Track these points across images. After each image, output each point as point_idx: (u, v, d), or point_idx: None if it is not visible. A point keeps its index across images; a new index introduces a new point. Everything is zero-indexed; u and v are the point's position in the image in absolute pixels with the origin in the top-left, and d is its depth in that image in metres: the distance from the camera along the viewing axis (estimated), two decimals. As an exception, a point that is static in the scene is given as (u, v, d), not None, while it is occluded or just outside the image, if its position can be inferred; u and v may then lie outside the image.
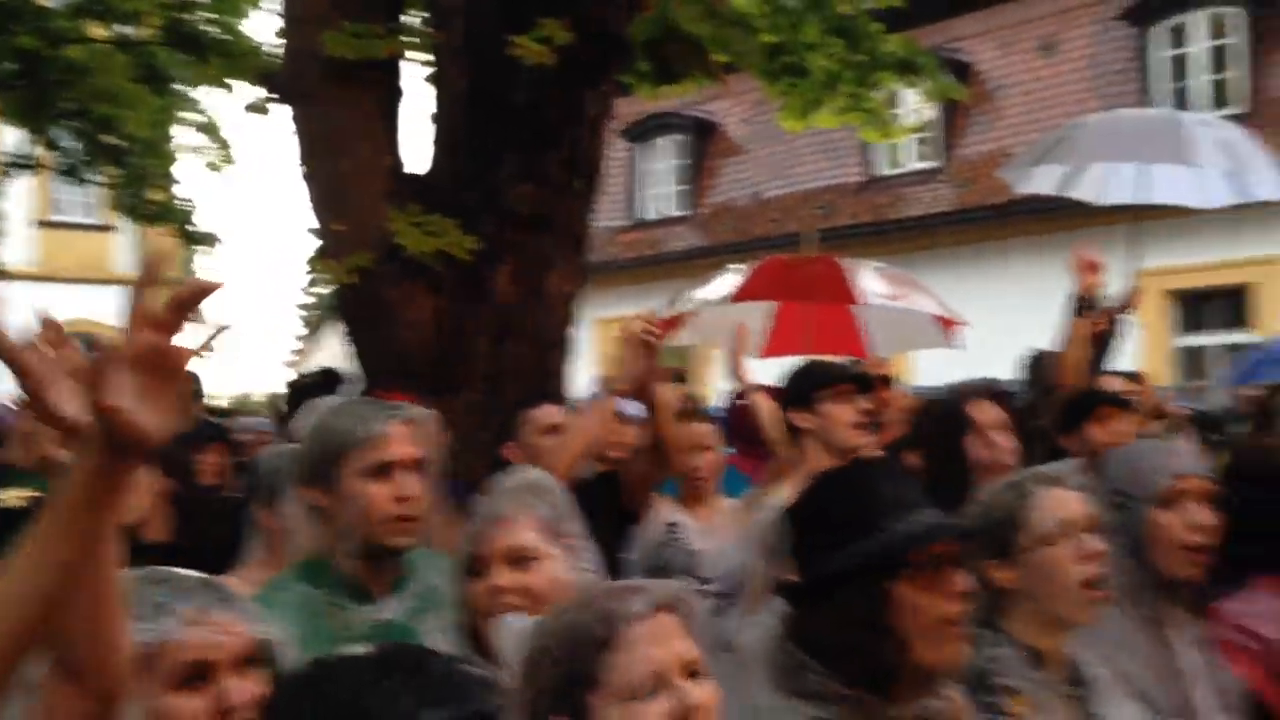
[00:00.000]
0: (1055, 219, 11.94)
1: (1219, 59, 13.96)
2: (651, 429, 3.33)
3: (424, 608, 2.40)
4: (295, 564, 2.49)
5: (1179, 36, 14.30)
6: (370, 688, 1.20)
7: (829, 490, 1.81)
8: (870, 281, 5.57)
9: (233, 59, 6.53)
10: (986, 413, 3.47)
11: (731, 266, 5.96)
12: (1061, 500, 2.09)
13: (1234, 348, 12.85)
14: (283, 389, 7.08)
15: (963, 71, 14.59)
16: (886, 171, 16.44)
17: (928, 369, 10.58)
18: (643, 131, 18.76)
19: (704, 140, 18.74)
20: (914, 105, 14.58)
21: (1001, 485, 2.18)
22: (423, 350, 4.83)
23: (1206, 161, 4.92)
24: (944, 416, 3.59)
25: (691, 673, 1.48)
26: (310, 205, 5.11)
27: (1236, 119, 9.85)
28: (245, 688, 1.63)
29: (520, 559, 2.04)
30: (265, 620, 1.88)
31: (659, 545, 3.48)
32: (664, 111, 17.26)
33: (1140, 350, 12.27)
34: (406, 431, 2.37)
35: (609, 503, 3.39)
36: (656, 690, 1.44)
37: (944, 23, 15.64)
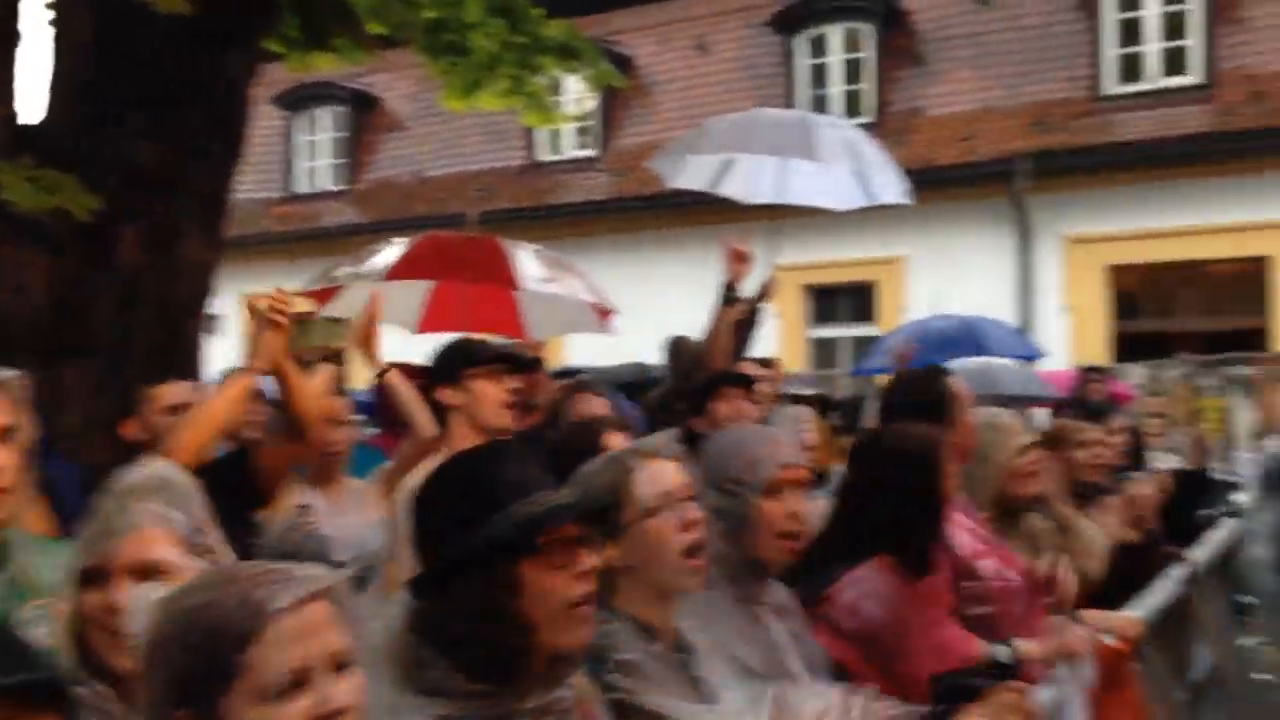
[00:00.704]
0: (704, 212, 12.45)
1: (854, 70, 15.05)
2: (285, 404, 3.14)
3: (20, 593, 2.16)
4: None
5: (819, 46, 15.29)
6: None
7: (455, 474, 1.74)
8: (529, 264, 5.56)
9: None
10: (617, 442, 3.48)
11: (395, 240, 5.78)
12: (660, 472, 2.12)
13: (860, 340, 13.95)
14: None
15: (622, 64, 14.94)
16: (547, 157, 16.64)
17: (582, 351, 10.78)
18: (299, 100, 18.04)
19: (364, 114, 18.25)
20: (575, 94, 14.84)
21: (601, 462, 2.19)
22: (33, 316, 4.38)
23: (835, 161, 5.26)
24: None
25: (339, 665, 1.37)
26: (-102, 151, 4.52)
27: (866, 128, 10.65)
28: None
29: (148, 573, 1.83)
30: None
31: (288, 529, 3.30)
32: (322, 81, 16.65)
33: (777, 339, 13.07)
34: None
35: (239, 484, 3.18)
36: (298, 688, 1.33)
37: (603, 15, 16.00)
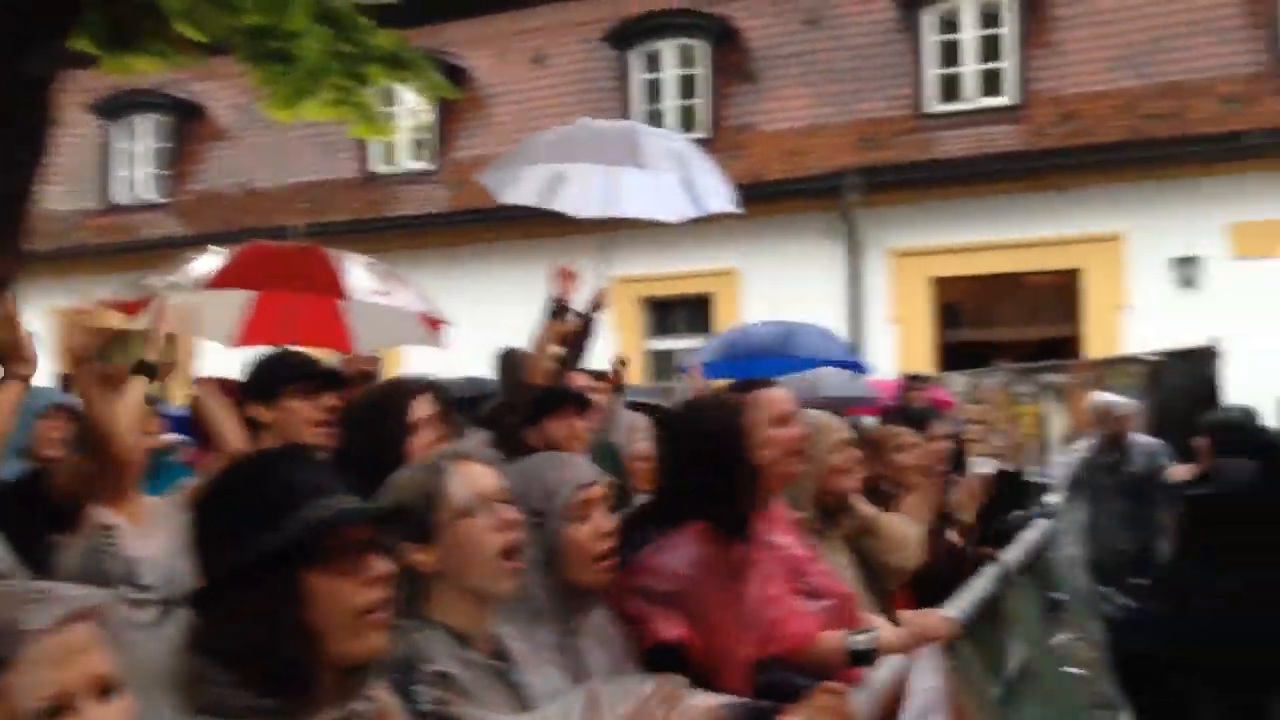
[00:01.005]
0: (540, 225, 12.40)
1: (688, 86, 15.26)
2: (90, 417, 2.98)
3: None
4: None
5: (654, 62, 15.45)
6: None
7: (234, 480, 1.66)
8: (358, 275, 5.42)
9: None
10: (425, 409, 3.23)
11: (211, 249, 5.56)
12: (474, 474, 2.09)
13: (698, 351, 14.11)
14: None
15: (458, 76, 14.83)
16: (382, 169, 16.37)
17: (417, 366, 10.60)
18: (117, 108, 17.32)
19: (188, 122, 17.64)
20: (412, 105, 14.65)
21: (413, 467, 2.15)
22: None
23: (663, 170, 5.31)
24: (381, 416, 3.24)
25: (104, 690, 1.29)
26: None
27: (701, 143, 10.80)
28: None
29: None
30: None
31: (93, 552, 3.13)
32: (143, 89, 16.05)
33: (615, 351, 13.11)
34: None
35: (36, 506, 3.01)
36: (58, 716, 1.25)
37: (438, 26, 15.85)
